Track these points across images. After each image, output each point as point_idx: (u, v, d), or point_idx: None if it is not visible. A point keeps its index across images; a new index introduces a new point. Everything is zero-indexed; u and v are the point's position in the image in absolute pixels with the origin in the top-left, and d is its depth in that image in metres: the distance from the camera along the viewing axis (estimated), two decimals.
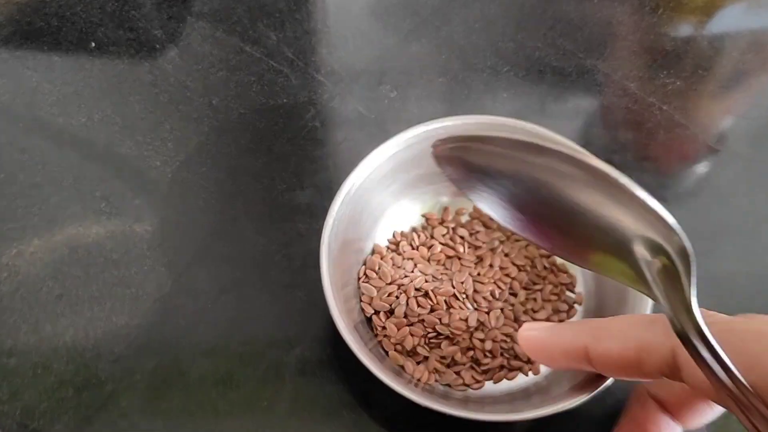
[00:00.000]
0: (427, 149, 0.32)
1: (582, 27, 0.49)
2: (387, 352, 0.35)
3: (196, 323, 0.36)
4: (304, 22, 0.49)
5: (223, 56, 0.47)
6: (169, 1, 0.50)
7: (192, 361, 0.35)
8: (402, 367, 0.34)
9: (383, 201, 0.39)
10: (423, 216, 0.40)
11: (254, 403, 0.34)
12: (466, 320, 0.35)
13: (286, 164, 0.43)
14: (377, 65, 0.47)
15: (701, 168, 0.45)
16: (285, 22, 0.49)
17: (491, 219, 0.39)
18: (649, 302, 0.32)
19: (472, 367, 0.35)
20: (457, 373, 0.35)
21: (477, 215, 0.40)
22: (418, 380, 0.34)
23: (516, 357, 0.35)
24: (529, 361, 0.35)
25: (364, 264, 0.38)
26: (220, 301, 0.37)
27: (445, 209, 0.40)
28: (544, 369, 0.35)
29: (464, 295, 0.36)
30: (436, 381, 0.34)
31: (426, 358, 0.35)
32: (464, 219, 0.40)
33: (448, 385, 0.34)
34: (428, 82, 0.47)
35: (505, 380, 0.35)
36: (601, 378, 0.29)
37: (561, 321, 0.37)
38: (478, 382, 0.35)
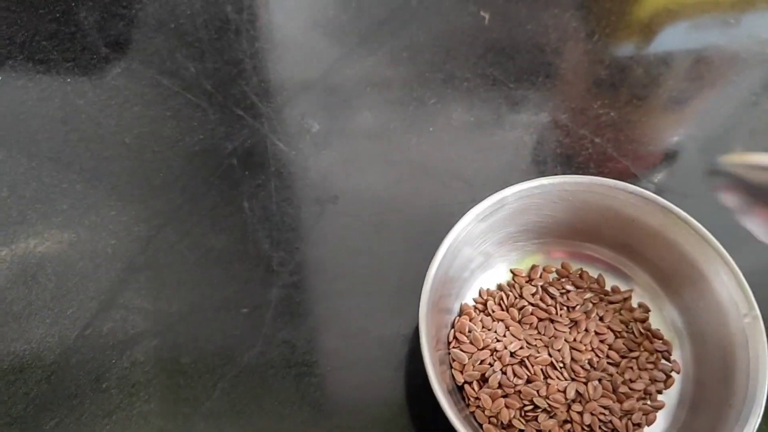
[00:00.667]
0: (519, 208, 0.34)
1: (513, 55, 0.48)
2: (481, 425, 0.34)
3: None
4: (225, 53, 0.47)
5: (139, 90, 0.45)
6: (83, 31, 0.48)
7: None
8: None
9: (473, 260, 0.37)
10: (511, 271, 0.39)
11: None
12: (564, 392, 0.34)
13: (200, 206, 0.41)
14: (299, 100, 0.45)
15: None
16: (205, 53, 0.47)
17: (581, 277, 0.38)
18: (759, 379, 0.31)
19: None
20: None
21: (566, 273, 0.39)
22: None
23: (614, 430, 0.34)
24: None
25: (453, 327, 0.36)
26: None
27: (533, 267, 0.39)
28: None
29: (561, 364, 0.35)
30: None
31: (523, 431, 0.33)
32: (552, 277, 0.39)
33: None
34: (350, 118, 0.45)
35: None
36: None
37: (658, 391, 0.36)
38: None
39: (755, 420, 0.30)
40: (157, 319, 0.37)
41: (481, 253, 0.38)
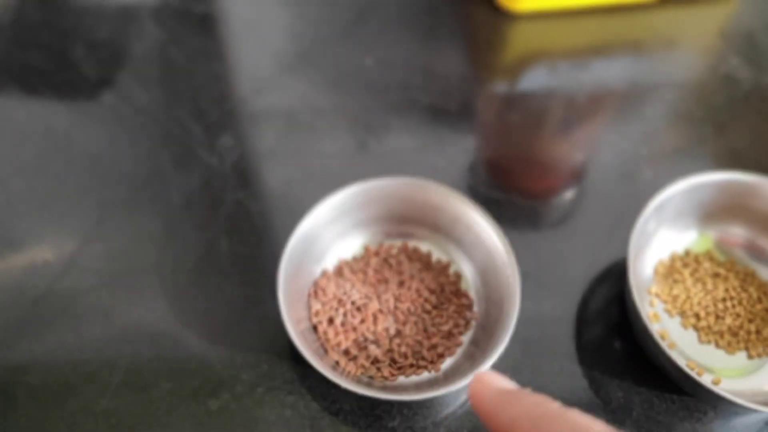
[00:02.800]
0: (371, 199, 0.51)
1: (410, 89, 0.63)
2: (327, 351, 0.48)
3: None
4: (171, 85, 0.63)
5: (105, 117, 0.61)
6: (66, 70, 0.63)
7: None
8: (337, 362, 0.48)
9: (331, 236, 0.53)
10: (364, 247, 0.54)
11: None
12: (387, 329, 0.49)
13: (140, 195, 0.56)
14: (221, 121, 0.61)
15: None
16: (153, 86, 0.63)
17: (414, 252, 0.54)
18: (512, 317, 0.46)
19: (390, 365, 0.48)
20: (378, 369, 0.48)
21: (404, 249, 0.54)
22: (349, 372, 0.48)
23: (423, 359, 0.49)
24: (432, 362, 0.49)
25: (315, 284, 0.51)
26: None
27: (381, 244, 0.54)
28: (442, 367, 0.48)
29: (387, 310, 0.51)
30: (362, 374, 0.48)
31: (356, 356, 0.48)
32: (394, 251, 0.54)
33: (371, 377, 0.48)
34: (259, 136, 0.60)
35: (414, 375, 0.48)
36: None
37: (460, 333, 0.50)
38: (393, 375, 0.48)
39: (505, 341, 0.45)
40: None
41: (337, 232, 0.53)
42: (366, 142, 0.60)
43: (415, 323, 0.50)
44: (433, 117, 0.62)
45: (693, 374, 0.44)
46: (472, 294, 0.52)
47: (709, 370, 0.50)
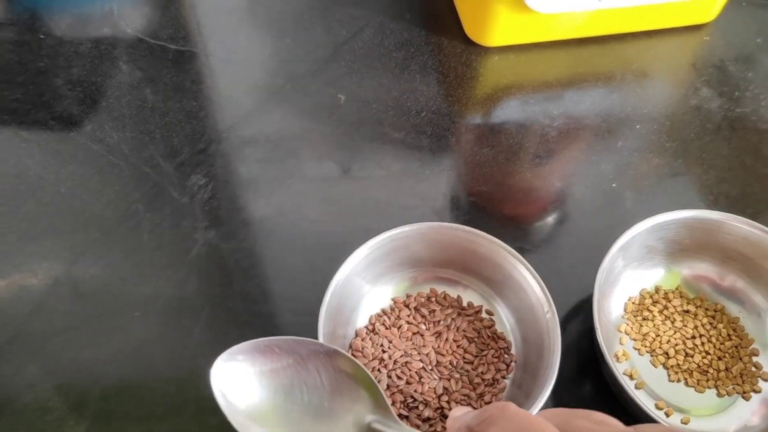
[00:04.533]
0: (393, 248, 0.50)
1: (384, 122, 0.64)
2: None
3: None
4: (141, 125, 0.63)
5: (73, 153, 0.61)
6: (38, 107, 0.63)
7: None
8: None
9: (360, 290, 0.52)
10: (392, 299, 0.54)
11: None
12: (434, 389, 0.49)
13: (111, 239, 0.56)
14: (193, 160, 0.61)
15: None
16: (126, 125, 0.63)
17: (444, 298, 0.53)
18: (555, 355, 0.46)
19: (441, 420, 0.48)
20: (431, 425, 0.48)
21: (433, 295, 0.54)
22: None
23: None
24: None
25: (350, 347, 0.51)
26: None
27: (408, 295, 0.54)
28: None
29: (430, 367, 0.50)
30: None
31: (407, 416, 0.48)
32: (422, 300, 0.53)
33: None
34: (233, 173, 0.60)
35: None
36: None
37: (503, 377, 0.50)
38: (445, 430, 0.47)
39: (552, 381, 0.44)
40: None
41: (366, 284, 0.52)
42: (341, 179, 0.61)
43: (460, 377, 0.50)
44: (407, 151, 0.62)
45: (653, 414, 0.44)
46: (509, 335, 0.52)
47: (680, 410, 0.50)
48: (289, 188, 0.59)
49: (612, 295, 0.54)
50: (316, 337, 0.45)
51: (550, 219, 0.59)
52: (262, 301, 0.54)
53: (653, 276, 0.55)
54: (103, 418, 0.49)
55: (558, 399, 0.50)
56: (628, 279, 0.54)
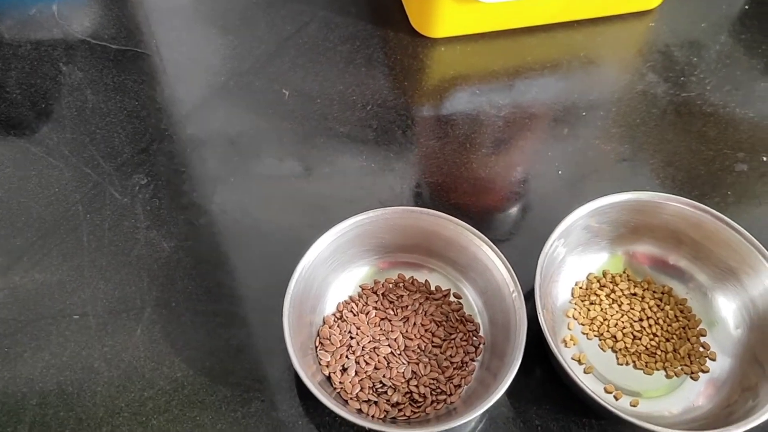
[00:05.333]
0: (359, 234, 0.49)
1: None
2: (347, 401, 0.47)
3: None
4: (82, 126, 0.62)
5: (13, 156, 0.59)
6: None
7: None
8: (359, 409, 0.47)
9: (326, 278, 0.51)
10: (359, 286, 0.53)
11: None
12: (402, 373, 0.49)
13: (49, 241, 0.55)
14: (134, 159, 0.60)
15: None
16: (66, 126, 0.61)
17: (412, 283, 0.53)
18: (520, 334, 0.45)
19: (410, 405, 0.48)
20: (400, 410, 0.47)
21: (401, 281, 0.53)
22: (373, 416, 0.47)
23: (442, 392, 0.48)
24: (450, 395, 0.48)
25: (318, 335, 0.50)
26: None
27: (376, 282, 0.53)
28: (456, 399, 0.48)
29: (398, 351, 0.50)
30: (386, 417, 0.47)
31: (376, 402, 0.47)
32: (390, 285, 0.53)
33: (394, 418, 0.47)
34: (176, 172, 0.59)
35: (434, 410, 0.48)
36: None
37: (472, 360, 0.50)
38: (415, 413, 0.47)
39: (518, 360, 0.44)
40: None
41: (332, 272, 0.52)
42: (285, 175, 0.60)
43: (429, 361, 0.49)
44: (352, 145, 0.61)
45: (595, 396, 0.44)
46: (477, 317, 0.52)
47: (629, 392, 0.50)
48: (231, 186, 0.59)
49: (558, 280, 0.53)
50: (276, 329, 0.45)
51: (498, 207, 0.59)
52: (206, 300, 0.53)
53: (599, 260, 0.55)
54: (40, 424, 0.47)
55: (513, 384, 0.49)
56: (575, 264, 0.54)
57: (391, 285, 0.53)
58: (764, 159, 0.62)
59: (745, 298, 0.50)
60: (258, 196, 0.58)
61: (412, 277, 0.54)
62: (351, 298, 0.53)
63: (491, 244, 0.50)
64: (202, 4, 0.71)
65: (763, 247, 0.49)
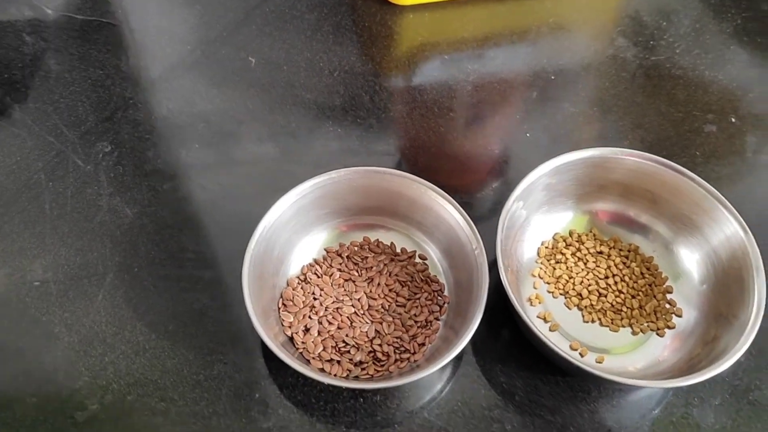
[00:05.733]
0: (321, 195, 0.48)
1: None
2: (309, 361, 0.47)
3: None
4: (45, 95, 0.61)
5: None
6: None
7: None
8: (322, 369, 0.46)
9: (290, 240, 0.51)
10: (324, 249, 0.52)
11: None
12: (366, 332, 0.48)
13: (12, 209, 0.54)
14: (98, 128, 0.59)
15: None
16: (29, 96, 0.61)
17: (377, 246, 0.52)
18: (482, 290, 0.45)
19: (374, 364, 0.47)
20: (363, 369, 0.47)
21: (366, 244, 0.53)
22: (335, 375, 0.46)
23: (405, 351, 0.48)
24: (414, 353, 0.47)
25: (282, 297, 0.50)
26: None
27: (341, 245, 0.52)
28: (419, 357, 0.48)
29: (362, 311, 0.49)
30: (349, 375, 0.47)
31: (339, 361, 0.47)
32: (356, 248, 0.52)
33: (357, 377, 0.47)
34: (140, 139, 0.59)
35: (397, 368, 0.47)
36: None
37: (436, 319, 0.49)
38: (378, 372, 0.47)
39: (479, 315, 0.44)
40: None
41: (295, 234, 0.51)
42: (251, 141, 0.59)
43: (393, 320, 0.49)
44: (318, 111, 0.61)
45: (559, 350, 0.43)
46: (441, 277, 0.51)
47: (595, 349, 0.50)
48: (196, 152, 0.58)
49: (524, 240, 0.53)
50: (238, 293, 0.44)
51: (465, 170, 0.59)
52: (169, 264, 0.52)
53: (565, 219, 0.55)
54: None
55: (479, 344, 0.49)
56: (540, 224, 0.54)
57: (356, 247, 0.53)
58: (733, 120, 0.61)
59: (707, 249, 0.50)
60: (222, 161, 0.58)
61: (378, 239, 0.53)
62: (315, 260, 0.52)
63: (454, 202, 0.49)
64: None
65: (721, 196, 0.49)
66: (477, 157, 0.59)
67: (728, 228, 0.49)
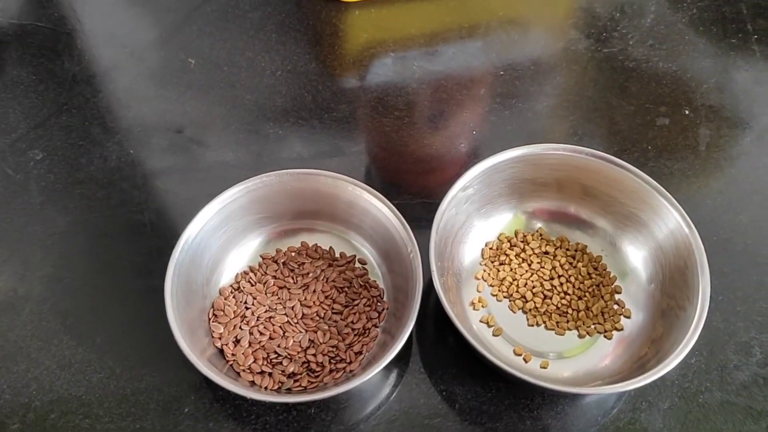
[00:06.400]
0: (253, 200, 0.46)
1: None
2: (239, 374, 0.45)
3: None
4: None
5: None
6: None
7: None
8: (252, 381, 0.44)
9: (222, 247, 0.49)
10: (260, 256, 0.50)
11: None
12: (299, 342, 0.46)
13: None
14: (30, 135, 0.57)
15: None
16: None
17: (315, 251, 0.50)
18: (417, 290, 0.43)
19: (308, 375, 0.45)
20: (296, 381, 0.45)
21: (304, 249, 0.51)
22: (266, 388, 0.44)
23: (341, 361, 0.46)
24: (350, 363, 0.45)
25: (212, 306, 0.48)
26: None
27: (278, 251, 0.50)
28: (356, 366, 0.45)
29: (296, 320, 0.47)
30: (281, 388, 0.44)
31: (270, 373, 0.45)
32: (294, 254, 0.50)
33: (289, 389, 0.45)
34: (73, 146, 0.57)
35: (332, 379, 0.45)
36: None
37: (375, 326, 0.47)
38: (312, 383, 0.45)
39: (413, 320, 0.42)
40: None
41: (227, 240, 0.49)
42: (188, 142, 0.57)
43: (328, 328, 0.47)
44: (259, 112, 0.59)
45: (493, 359, 0.41)
46: (381, 283, 0.50)
47: (539, 354, 0.48)
48: (132, 157, 0.56)
49: (466, 241, 0.51)
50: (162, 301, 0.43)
51: (408, 170, 0.57)
52: (101, 274, 0.51)
53: (506, 219, 0.53)
54: None
55: (427, 348, 0.48)
56: (484, 224, 0.52)
57: (293, 253, 0.51)
58: (686, 112, 0.60)
59: (652, 244, 0.49)
60: (158, 166, 0.56)
61: (316, 244, 0.51)
62: (251, 267, 0.50)
63: (389, 204, 0.47)
64: None
65: (662, 188, 0.47)
66: (421, 155, 0.57)
67: (671, 222, 0.47)
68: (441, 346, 0.48)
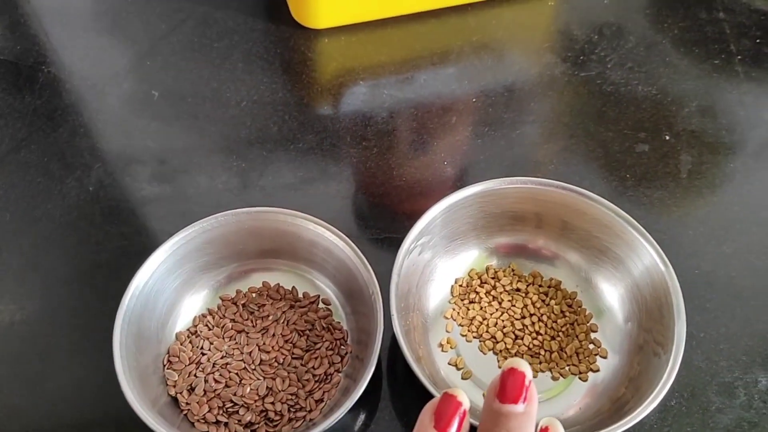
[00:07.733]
0: (207, 241, 0.44)
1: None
2: (194, 424, 0.43)
3: None
4: None
5: None
6: None
7: None
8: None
9: (178, 290, 0.47)
10: (219, 298, 0.48)
11: None
12: (256, 390, 0.44)
13: None
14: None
15: None
16: None
17: (277, 291, 0.48)
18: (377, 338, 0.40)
19: (265, 424, 0.43)
20: (254, 431, 0.43)
21: (265, 289, 0.49)
22: None
23: (300, 409, 0.43)
24: (310, 411, 0.43)
25: (168, 353, 0.45)
26: None
27: (237, 292, 0.48)
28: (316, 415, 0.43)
29: (253, 366, 0.45)
30: None
31: (226, 423, 0.43)
32: (254, 295, 0.48)
33: None
34: (31, 183, 0.55)
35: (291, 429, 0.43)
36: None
37: (338, 371, 0.45)
38: None
39: (373, 366, 0.40)
40: None
41: (183, 283, 0.47)
42: (149, 177, 0.55)
43: (288, 375, 0.45)
44: (223, 144, 0.57)
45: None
46: (345, 324, 0.47)
47: None
48: (91, 195, 0.54)
49: (434, 279, 0.49)
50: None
51: (375, 204, 0.55)
52: (49, 322, 0.48)
53: (473, 255, 0.50)
54: None
55: (395, 392, 0.46)
56: (452, 260, 0.50)
57: (254, 294, 0.49)
58: (667, 138, 0.58)
59: (628, 281, 0.46)
60: (118, 205, 0.54)
61: (278, 284, 0.49)
62: (209, 310, 0.48)
63: (351, 243, 0.45)
64: (72, 7, 0.67)
65: (636, 222, 0.45)
66: (388, 188, 0.55)
67: (647, 259, 0.45)
68: (410, 389, 0.46)
